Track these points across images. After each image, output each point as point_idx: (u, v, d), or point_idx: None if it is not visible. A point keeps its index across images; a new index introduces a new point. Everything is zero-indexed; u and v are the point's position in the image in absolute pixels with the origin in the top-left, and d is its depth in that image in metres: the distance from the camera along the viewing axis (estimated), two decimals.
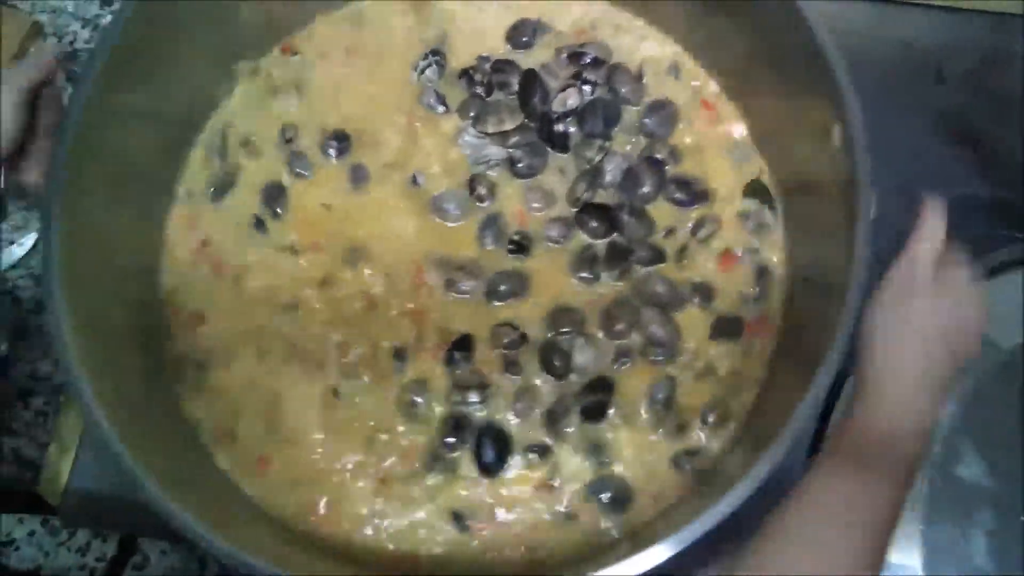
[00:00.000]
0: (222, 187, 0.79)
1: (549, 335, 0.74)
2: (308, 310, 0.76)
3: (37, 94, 0.65)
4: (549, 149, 0.78)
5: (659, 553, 0.59)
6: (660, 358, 0.74)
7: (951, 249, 0.61)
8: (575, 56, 0.80)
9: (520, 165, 0.78)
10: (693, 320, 0.75)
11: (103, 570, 0.94)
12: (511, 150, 0.78)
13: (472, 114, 0.79)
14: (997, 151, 0.85)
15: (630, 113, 0.80)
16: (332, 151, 0.79)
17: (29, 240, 0.90)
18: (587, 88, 0.80)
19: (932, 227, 0.61)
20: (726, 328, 0.74)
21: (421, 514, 0.71)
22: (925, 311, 0.58)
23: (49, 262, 0.63)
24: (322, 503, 0.71)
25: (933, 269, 0.60)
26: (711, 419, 0.72)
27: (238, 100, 0.81)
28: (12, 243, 0.90)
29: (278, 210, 0.78)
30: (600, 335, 0.74)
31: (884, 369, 0.58)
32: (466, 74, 0.80)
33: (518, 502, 0.71)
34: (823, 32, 0.65)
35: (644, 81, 0.80)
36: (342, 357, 0.74)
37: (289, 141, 0.79)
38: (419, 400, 0.73)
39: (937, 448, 0.76)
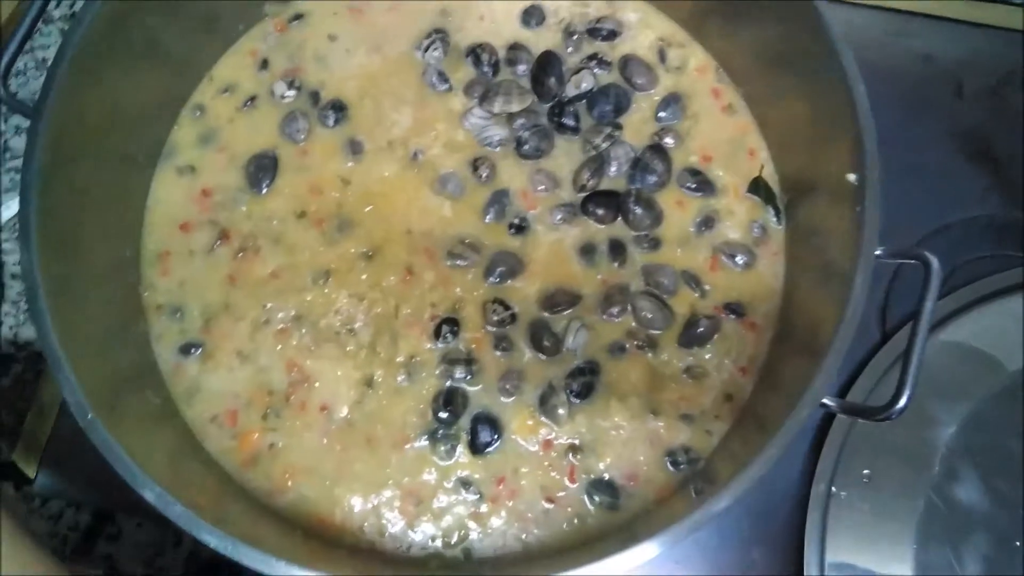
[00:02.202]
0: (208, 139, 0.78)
1: (544, 314, 0.73)
2: (291, 278, 0.74)
3: None
4: (556, 132, 0.77)
5: (650, 550, 0.57)
6: (653, 350, 0.72)
7: None
8: (592, 31, 0.80)
9: (526, 147, 0.76)
10: (690, 310, 0.74)
11: (76, 540, 0.92)
12: (519, 131, 0.77)
13: (478, 93, 0.78)
14: (1013, 171, 0.84)
15: (641, 101, 0.79)
16: (330, 120, 0.78)
17: (16, 203, 0.87)
18: (601, 72, 0.79)
19: None
20: (715, 327, 0.73)
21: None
22: None
23: (27, 219, 0.61)
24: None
25: None
26: (704, 415, 0.71)
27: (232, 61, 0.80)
28: None
29: (266, 178, 0.77)
30: (596, 320, 0.73)
31: None
32: (473, 52, 0.79)
33: (511, 490, 0.69)
34: (843, 44, 0.64)
35: (657, 72, 0.79)
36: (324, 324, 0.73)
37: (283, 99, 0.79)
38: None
39: (936, 469, 0.74)
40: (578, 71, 0.78)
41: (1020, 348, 0.77)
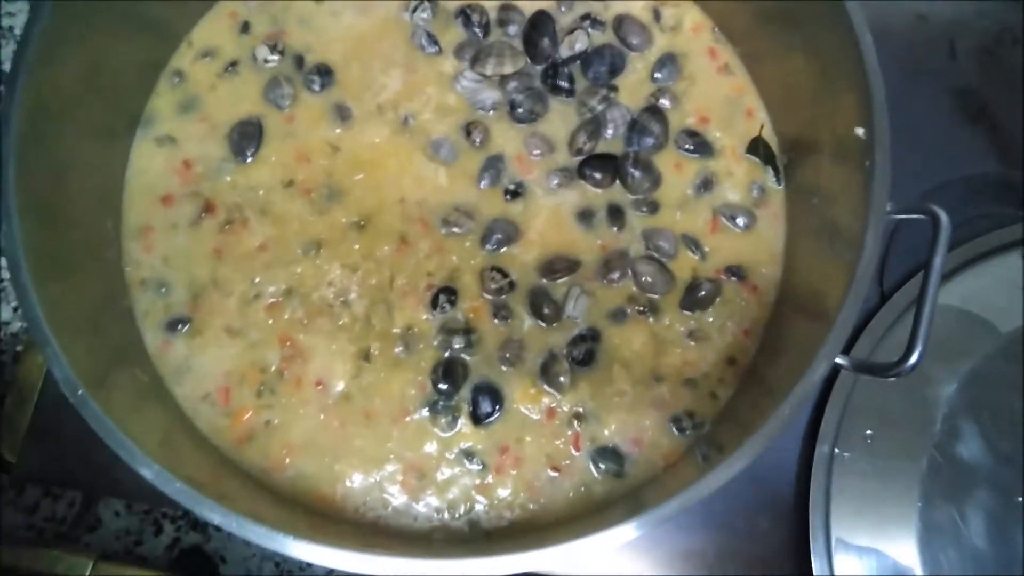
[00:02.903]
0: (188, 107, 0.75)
1: (543, 281, 0.71)
2: (281, 250, 0.72)
3: None
4: (551, 95, 0.75)
5: (657, 517, 0.56)
6: (655, 314, 0.71)
7: None
8: None
9: (520, 110, 0.74)
10: (691, 273, 0.73)
11: (60, 529, 0.89)
12: (512, 94, 0.75)
13: (469, 56, 0.76)
14: (1008, 130, 0.83)
15: (636, 62, 0.77)
16: (315, 85, 0.75)
17: None
18: (595, 32, 0.77)
19: None
20: (716, 290, 0.72)
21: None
22: None
23: (7, 190, 0.58)
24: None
25: None
26: (708, 379, 0.70)
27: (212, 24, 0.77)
28: None
29: (251, 146, 0.74)
30: (596, 285, 0.71)
31: None
32: (463, 13, 0.77)
33: (515, 459, 0.68)
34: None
35: (652, 31, 0.77)
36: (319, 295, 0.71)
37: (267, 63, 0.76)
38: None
39: (937, 427, 0.74)
40: (571, 31, 0.76)
41: (1014, 309, 0.77)
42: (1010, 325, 0.78)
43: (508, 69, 0.75)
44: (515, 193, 0.73)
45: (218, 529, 0.88)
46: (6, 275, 0.80)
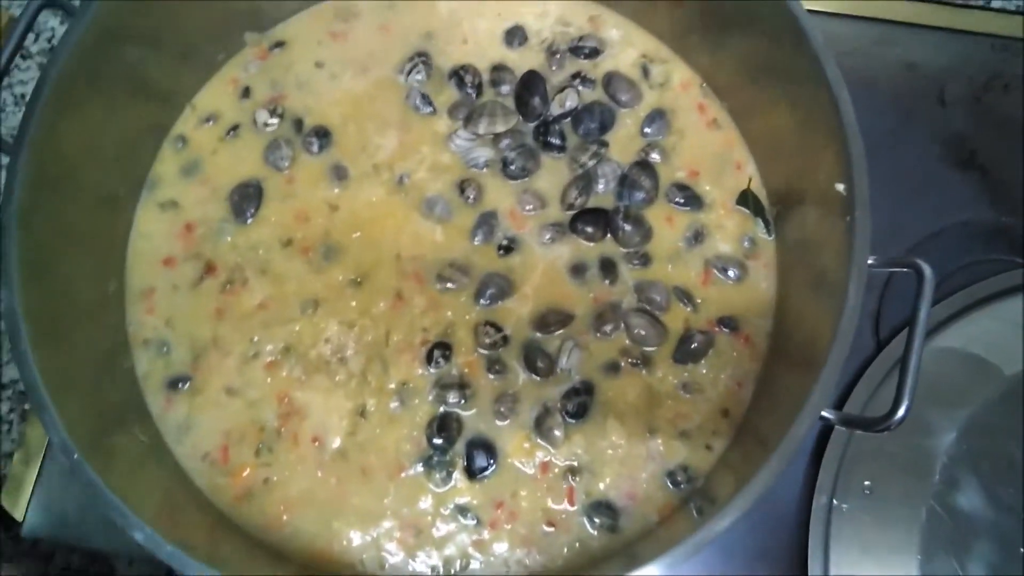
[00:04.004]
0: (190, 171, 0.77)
1: (537, 334, 0.72)
2: (279, 309, 0.73)
3: None
4: (542, 151, 0.77)
5: (652, 572, 0.56)
6: (648, 367, 0.72)
7: None
8: (574, 50, 0.80)
9: (513, 167, 0.76)
10: (684, 325, 0.73)
11: None
12: (505, 152, 0.76)
13: (463, 115, 0.78)
14: (999, 176, 0.84)
15: (626, 118, 0.79)
16: (314, 147, 0.77)
17: None
18: (585, 90, 0.79)
19: None
20: (709, 342, 0.72)
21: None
22: None
23: (8, 258, 0.60)
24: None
25: None
26: (702, 431, 0.70)
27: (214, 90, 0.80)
28: None
29: (251, 207, 0.76)
30: (589, 339, 0.72)
31: None
32: (456, 74, 0.79)
33: (510, 513, 0.68)
34: (825, 52, 0.64)
35: (641, 88, 0.79)
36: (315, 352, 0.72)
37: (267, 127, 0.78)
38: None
39: (936, 477, 0.74)
40: (562, 90, 0.78)
41: (1018, 352, 0.77)
42: (1013, 368, 0.77)
43: (501, 128, 0.76)
44: (508, 248, 0.74)
45: None
46: None
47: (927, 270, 0.59)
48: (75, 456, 0.56)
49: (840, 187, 0.62)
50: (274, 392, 0.71)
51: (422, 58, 0.79)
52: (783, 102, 0.71)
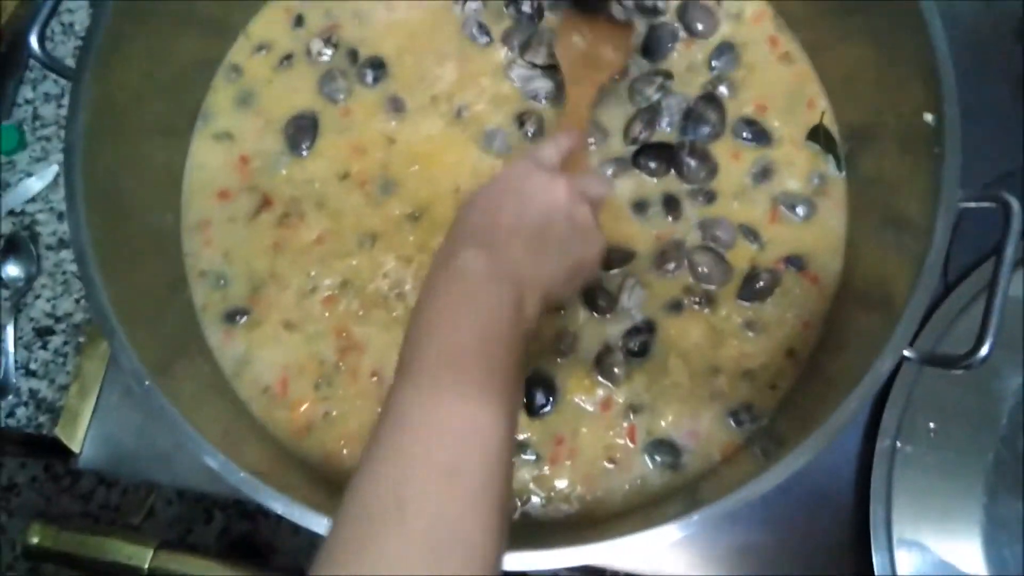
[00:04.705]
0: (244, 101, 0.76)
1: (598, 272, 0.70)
2: (337, 243, 0.73)
3: None
4: None
5: (710, 514, 0.55)
6: (712, 305, 0.70)
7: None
8: None
9: None
10: (749, 263, 0.71)
11: (108, 518, 0.91)
12: None
13: (518, 43, 0.75)
14: None
15: (694, 50, 0.76)
16: (368, 78, 0.76)
17: (50, 173, 0.85)
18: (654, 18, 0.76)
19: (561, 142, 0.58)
20: (775, 281, 0.70)
21: None
22: (536, 189, 0.53)
23: (73, 181, 0.59)
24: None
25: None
26: (766, 371, 0.69)
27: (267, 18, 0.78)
28: (31, 175, 0.85)
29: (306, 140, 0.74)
30: (651, 277, 0.71)
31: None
32: (513, 1, 0.77)
33: (570, 450, 0.68)
34: None
35: (718, 16, 0.76)
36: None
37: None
38: None
39: (1003, 420, 0.72)
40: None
41: None
42: None
43: None
44: None
45: (266, 516, 0.89)
46: (68, 267, 0.82)
47: (1015, 204, 0.57)
48: (146, 383, 0.55)
49: (929, 117, 0.59)
50: (332, 327, 0.71)
51: None
52: (862, 33, 0.68)
